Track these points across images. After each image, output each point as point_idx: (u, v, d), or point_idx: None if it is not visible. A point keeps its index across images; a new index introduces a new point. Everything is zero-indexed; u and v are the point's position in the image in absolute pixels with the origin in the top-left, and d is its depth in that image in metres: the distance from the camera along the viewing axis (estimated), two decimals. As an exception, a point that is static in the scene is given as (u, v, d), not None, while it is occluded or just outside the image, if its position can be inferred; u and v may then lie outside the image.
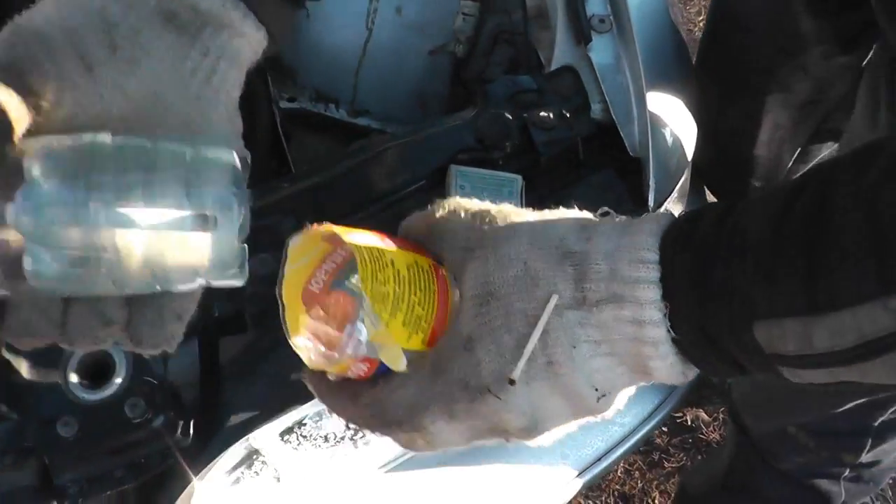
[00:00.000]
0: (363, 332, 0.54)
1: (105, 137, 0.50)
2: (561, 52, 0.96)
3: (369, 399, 0.57)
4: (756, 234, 0.50)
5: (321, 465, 0.96)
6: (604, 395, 0.55)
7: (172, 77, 0.55)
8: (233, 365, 0.88)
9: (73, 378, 0.86)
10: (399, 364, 0.55)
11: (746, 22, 1.17)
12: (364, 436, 0.96)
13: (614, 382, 0.55)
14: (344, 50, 1.25)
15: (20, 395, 0.85)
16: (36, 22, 0.52)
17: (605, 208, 0.58)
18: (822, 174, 0.50)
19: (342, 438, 0.95)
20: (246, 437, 0.86)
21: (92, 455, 0.84)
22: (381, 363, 0.55)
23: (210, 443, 0.86)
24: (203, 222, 0.50)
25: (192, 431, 0.85)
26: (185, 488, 0.86)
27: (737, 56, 1.20)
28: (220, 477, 0.87)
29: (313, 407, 0.91)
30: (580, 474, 1.11)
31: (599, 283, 0.53)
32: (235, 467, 0.88)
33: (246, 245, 0.55)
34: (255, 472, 0.90)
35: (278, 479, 0.92)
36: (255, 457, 0.90)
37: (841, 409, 1.11)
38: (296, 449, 0.92)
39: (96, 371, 0.87)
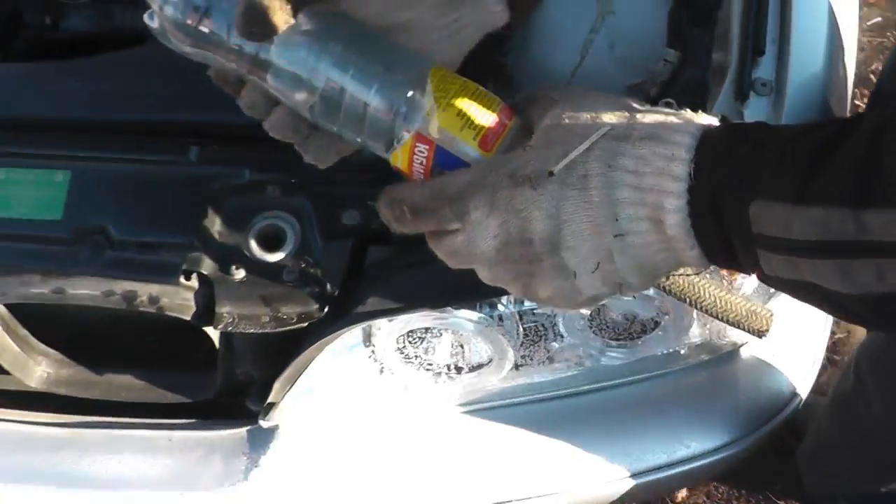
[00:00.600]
0: (423, 106, 0.70)
1: (354, 25, 0.71)
2: (719, 104, 1.09)
3: (432, 181, 0.71)
4: (791, 138, 0.60)
5: (416, 378, 1.14)
6: (621, 235, 0.63)
7: (427, 24, 0.73)
8: (373, 268, 1.08)
9: (252, 241, 1.08)
10: (435, 131, 0.70)
11: None
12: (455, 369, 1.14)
13: (633, 224, 0.63)
14: (556, 71, 1.37)
15: (210, 238, 1.08)
16: None
17: (669, 99, 0.70)
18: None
19: (434, 365, 1.13)
20: (367, 323, 1.05)
21: (249, 299, 1.06)
22: (438, 152, 0.70)
23: (338, 322, 1.06)
24: (378, 106, 0.70)
25: (327, 308, 1.06)
26: (308, 349, 1.06)
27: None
28: (337, 349, 1.07)
29: (431, 321, 1.09)
30: (634, 476, 1.23)
31: (645, 127, 0.64)
32: (351, 345, 1.08)
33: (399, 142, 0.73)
34: (364, 356, 1.09)
35: (381, 370, 1.11)
36: (368, 344, 1.09)
37: (887, 489, 1.17)
38: (401, 351, 1.11)
39: (270, 240, 1.08)
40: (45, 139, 1.17)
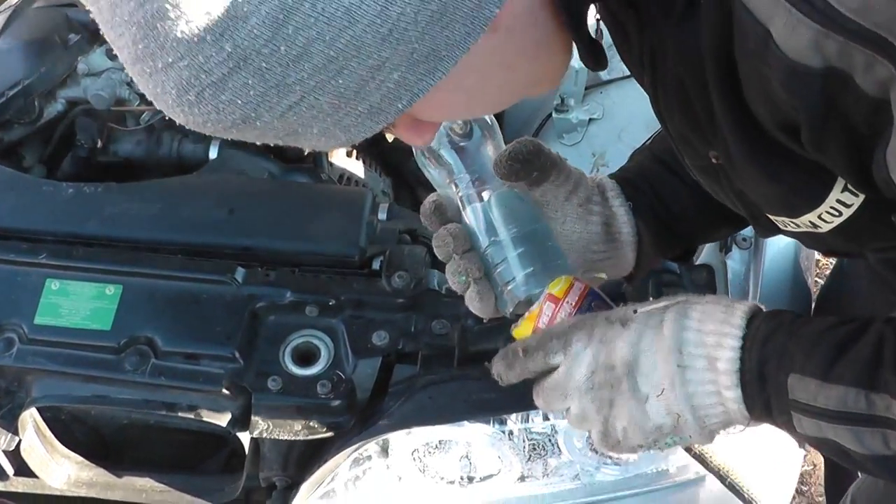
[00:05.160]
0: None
1: (541, 222, 0.92)
2: (706, 254, 1.25)
3: (550, 327, 0.86)
4: (819, 332, 0.77)
5: (430, 486, 1.25)
6: (682, 367, 0.79)
7: (584, 248, 0.96)
8: (396, 385, 1.20)
9: (288, 356, 1.20)
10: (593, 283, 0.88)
11: (852, 300, 1.41)
12: (467, 478, 1.25)
13: (693, 360, 0.79)
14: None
15: (250, 352, 1.19)
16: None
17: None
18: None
19: (445, 478, 1.24)
20: (386, 436, 1.17)
21: (283, 408, 1.17)
22: (591, 292, 0.87)
23: (363, 432, 1.17)
24: (521, 286, 0.89)
25: (354, 419, 1.17)
26: (335, 456, 1.17)
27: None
28: (357, 456, 1.18)
29: (446, 434, 1.20)
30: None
31: (711, 297, 0.82)
32: (370, 453, 1.19)
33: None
34: (382, 464, 1.20)
35: (398, 478, 1.22)
36: (386, 452, 1.20)
37: None
38: (416, 460, 1.22)
39: (305, 356, 1.20)
40: (99, 255, 1.29)
